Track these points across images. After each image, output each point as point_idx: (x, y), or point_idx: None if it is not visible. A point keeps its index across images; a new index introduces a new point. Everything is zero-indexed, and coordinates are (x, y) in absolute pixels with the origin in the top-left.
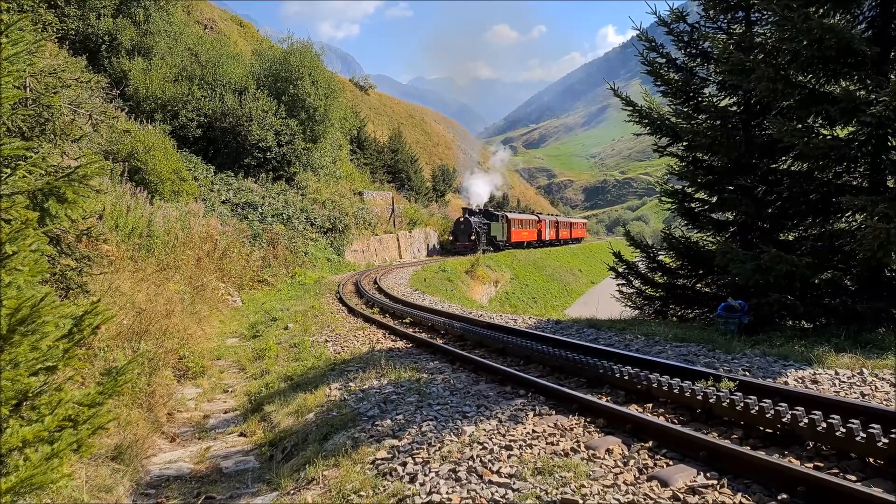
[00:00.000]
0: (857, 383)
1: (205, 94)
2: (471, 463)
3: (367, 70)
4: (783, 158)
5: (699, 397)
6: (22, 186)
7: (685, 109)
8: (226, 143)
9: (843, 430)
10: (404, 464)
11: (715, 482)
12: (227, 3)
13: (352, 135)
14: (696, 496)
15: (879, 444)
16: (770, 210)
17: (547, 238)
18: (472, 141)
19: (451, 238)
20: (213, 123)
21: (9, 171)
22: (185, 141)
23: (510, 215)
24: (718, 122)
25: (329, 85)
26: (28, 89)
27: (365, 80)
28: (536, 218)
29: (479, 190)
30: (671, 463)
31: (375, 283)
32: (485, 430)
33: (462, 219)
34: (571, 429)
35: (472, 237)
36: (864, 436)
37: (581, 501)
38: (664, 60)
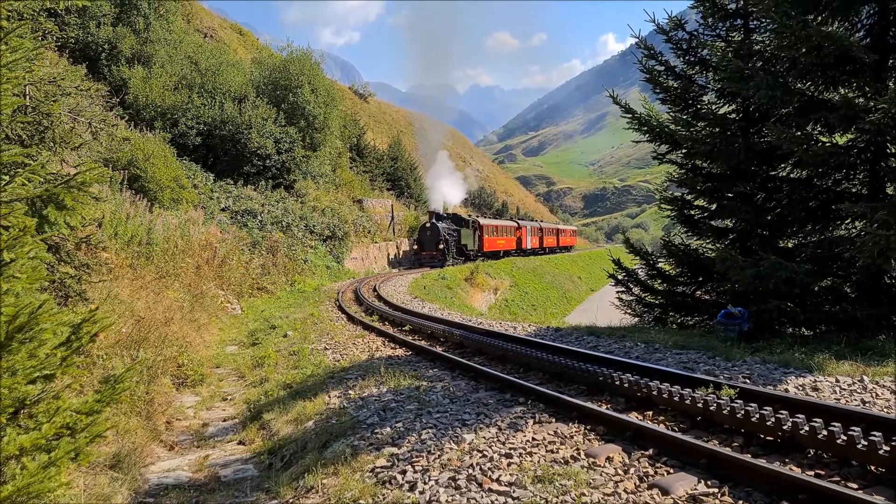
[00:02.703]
0: (858, 390)
1: (204, 102)
2: (470, 471)
3: (366, 78)
4: (782, 165)
5: (699, 405)
6: (21, 193)
7: (684, 117)
8: (225, 151)
9: (845, 438)
10: (404, 472)
11: (716, 490)
12: (227, 10)
13: (351, 143)
14: None
15: (881, 452)
16: (769, 217)
17: (529, 247)
18: (442, 128)
19: (414, 247)
20: (213, 131)
21: (7, 178)
22: (185, 149)
23: (482, 221)
24: (717, 130)
25: (329, 93)
26: (28, 97)
27: (364, 88)
28: (515, 224)
29: (448, 190)
30: (672, 471)
31: (375, 290)
32: (484, 437)
33: (428, 224)
34: (571, 436)
35: (441, 246)
36: (866, 443)
37: None
38: (663, 68)
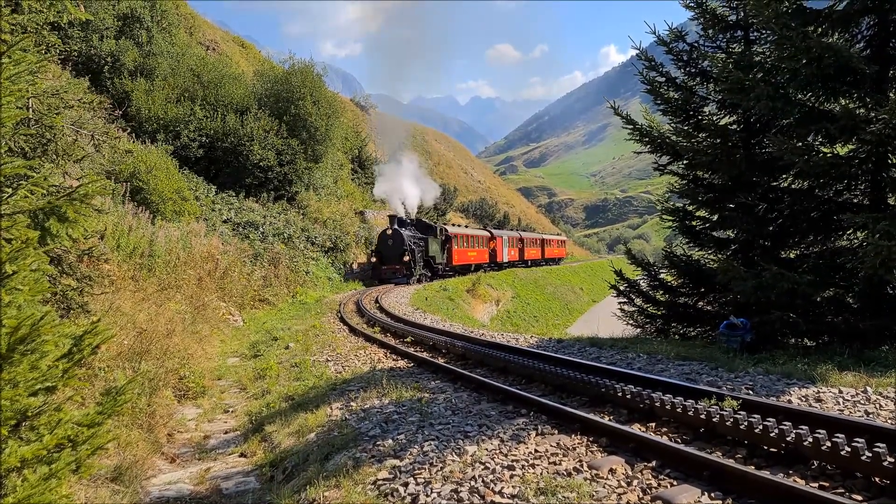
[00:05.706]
0: (861, 401)
1: (207, 115)
2: (473, 483)
3: (368, 89)
4: (784, 176)
5: (702, 416)
6: (23, 206)
7: (685, 128)
8: (227, 163)
9: (848, 449)
10: (406, 484)
11: (719, 502)
12: (229, 23)
13: (353, 154)
14: None
15: (885, 463)
16: (771, 228)
17: (505, 260)
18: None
19: (372, 259)
20: (215, 143)
21: (10, 190)
22: (187, 161)
23: (451, 229)
24: (718, 141)
25: (330, 105)
26: (31, 110)
27: (366, 100)
28: (488, 234)
29: (411, 187)
30: (675, 483)
31: (377, 301)
32: (487, 449)
33: (390, 231)
34: (574, 448)
35: (406, 258)
36: (870, 455)
37: None
38: (664, 79)
